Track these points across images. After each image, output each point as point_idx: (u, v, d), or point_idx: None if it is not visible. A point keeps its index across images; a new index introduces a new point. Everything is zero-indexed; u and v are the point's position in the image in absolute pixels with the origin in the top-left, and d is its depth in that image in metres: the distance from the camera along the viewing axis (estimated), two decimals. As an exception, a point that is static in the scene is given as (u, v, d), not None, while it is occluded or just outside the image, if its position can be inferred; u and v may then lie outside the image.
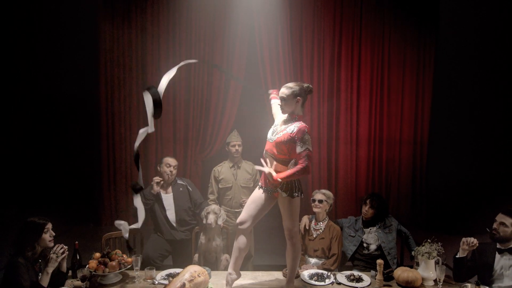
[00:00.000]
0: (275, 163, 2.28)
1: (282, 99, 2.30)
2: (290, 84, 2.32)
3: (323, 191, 3.01)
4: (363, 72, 5.53)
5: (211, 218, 2.94)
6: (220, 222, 3.01)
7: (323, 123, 5.55)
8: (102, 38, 5.28)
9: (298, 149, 2.18)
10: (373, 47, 5.48)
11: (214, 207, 3.03)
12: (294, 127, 2.23)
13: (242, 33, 5.25)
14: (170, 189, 3.33)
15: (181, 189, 3.36)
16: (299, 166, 2.17)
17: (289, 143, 2.21)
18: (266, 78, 5.35)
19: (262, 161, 2.30)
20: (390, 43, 5.50)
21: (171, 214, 3.27)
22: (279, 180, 2.16)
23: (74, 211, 5.60)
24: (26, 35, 5.49)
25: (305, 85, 2.33)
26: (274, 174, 2.19)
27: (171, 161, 3.31)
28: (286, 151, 2.24)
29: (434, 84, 5.56)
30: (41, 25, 5.41)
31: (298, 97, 2.28)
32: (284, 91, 2.29)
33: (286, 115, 2.35)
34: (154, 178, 3.19)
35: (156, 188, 3.18)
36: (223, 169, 3.53)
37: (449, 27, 5.42)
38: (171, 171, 3.28)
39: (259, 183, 2.40)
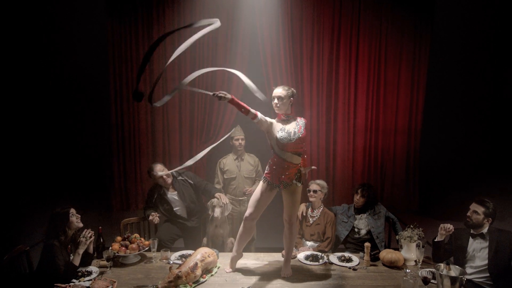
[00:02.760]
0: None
1: (280, 98, 2.53)
2: (285, 87, 2.58)
3: (318, 181, 3.32)
4: (360, 65, 5.75)
5: (217, 211, 3.18)
6: (226, 213, 3.27)
7: (322, 114, 5.81)
8: (110, 34, 5.52)
9: None
10: (371, 42, 5.68)
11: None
12: (301, 121, 2.58)
13: (244, 28, 5.46)
14: (172, 188, 3.47)
15: (183, 184, 3.48)
16: None
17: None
18: (268, 72, 5.59)
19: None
20: (387, 38, 5.69)
21: (180, 210, 3.49)
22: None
23: (86, 197, 5.95)
24: (35, 31, 5.72)
25: (293, 89, 2.62)
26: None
27: (159, 169, 3.37)
28: (303, 143, 2.58)
29: (428, 77, 5.79)
30: (53, 21, 5.62)
31: (291, 98, 2.56)
32: (282, 91, 2.54)
33: (280, 117, 2.59)
34: (152, 218, 3.25)
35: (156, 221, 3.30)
36: (227, 161, 3.82)
37: (444, 23, 5.60)
38: (164, 179, 3.37)
39: (267, 180, 2.56)
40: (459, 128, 5.80)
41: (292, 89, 2.59)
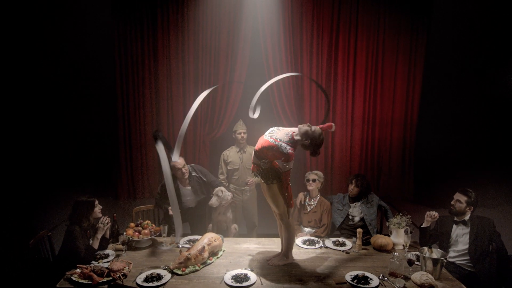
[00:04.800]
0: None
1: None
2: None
3: (315, 171, 3.55)
4: (358, 58, 5.92)
5: (213, 200, 3.39)
6: (224, 202, 3.43)
7: (321, 106, 6.01)
8: (116, 31, 5.72)
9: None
10: (369, 35, 5.85)
11: (217, 189, 3.45)
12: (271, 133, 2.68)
13: (246, 21, 5.63)
14: (187, 182, 3.60)
15: (197, 181, 3.63)
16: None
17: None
18: (269, 65, 5.77)
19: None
20: (385, 31, 5.85)
21: (190, 201, 3.67)
22: None
23: (95, 186, 6.22)
24: (46, 29, 5.89)
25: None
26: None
27: (178, 163, 3.43)
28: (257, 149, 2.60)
29: (424, 70, 5.96)
30: (63, 20, 5.80)
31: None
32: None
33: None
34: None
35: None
36: (231, 153, 4.05)
37: (441, 17, 5.73)
38: (183, 172, 3.48)
39: None
40: (454, 121, 6.00)
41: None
